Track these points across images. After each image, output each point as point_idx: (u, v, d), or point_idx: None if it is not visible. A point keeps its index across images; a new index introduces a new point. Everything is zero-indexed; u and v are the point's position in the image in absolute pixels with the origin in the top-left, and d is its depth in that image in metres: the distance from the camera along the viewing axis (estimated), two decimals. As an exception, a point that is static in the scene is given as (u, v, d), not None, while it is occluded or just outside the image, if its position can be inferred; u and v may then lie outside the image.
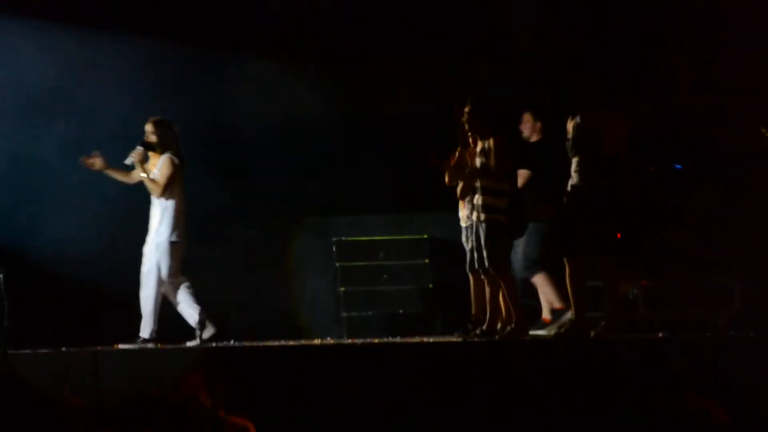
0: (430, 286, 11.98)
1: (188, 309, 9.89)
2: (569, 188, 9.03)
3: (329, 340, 10.56)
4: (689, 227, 10.64)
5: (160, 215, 9.86)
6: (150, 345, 9.74)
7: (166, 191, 9.85)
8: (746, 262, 10.12)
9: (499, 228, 9.26)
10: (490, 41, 11.87)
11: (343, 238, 12.04)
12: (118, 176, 10.13)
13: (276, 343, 10.17)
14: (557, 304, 10.10)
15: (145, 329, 9.84)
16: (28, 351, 9.18)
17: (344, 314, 11.75)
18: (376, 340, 10.26)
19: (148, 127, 9.94)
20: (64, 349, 9.19)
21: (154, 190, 9.85)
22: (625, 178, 8.94)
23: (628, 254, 10.16)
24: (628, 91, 9.79)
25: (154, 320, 9.84)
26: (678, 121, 11.20)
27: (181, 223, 9.89)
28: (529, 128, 10.41)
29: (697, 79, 11.21)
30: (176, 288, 9.93)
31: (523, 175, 9.93)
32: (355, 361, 8.90)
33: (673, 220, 10.81)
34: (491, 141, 9.25)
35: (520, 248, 10.10)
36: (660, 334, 9.38)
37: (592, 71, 10.11)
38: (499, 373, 8.38)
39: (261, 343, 10.20)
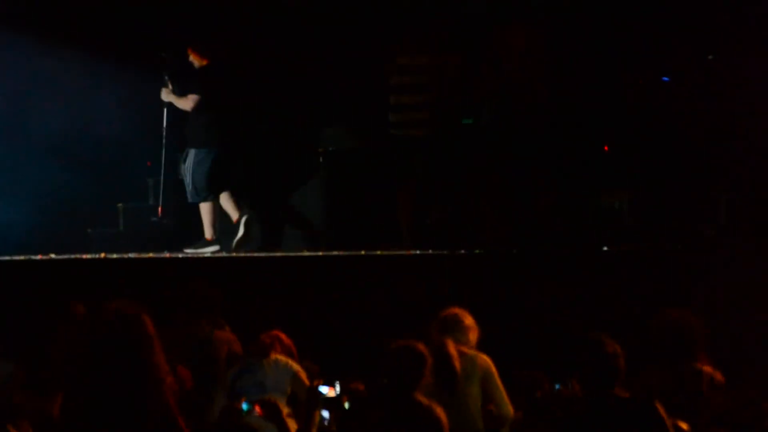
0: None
1: None
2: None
3: (319, 253, 10.55)
4: (675, 138, 10.60)
5: None
6: None
7: None
8: (732, 173, 10.12)
9: None
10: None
11: (330, 148, 11.91)
12: None
13: (261, 255, 10.22)
14: (209, 235, 10.42)
15: None
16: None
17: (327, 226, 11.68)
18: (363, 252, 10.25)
19: None
20: None
21: None
22: None
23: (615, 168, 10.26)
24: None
25: None
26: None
27: None
28: (196, 59, 10.45)
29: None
30: None
31: (192, 99, 10.30)
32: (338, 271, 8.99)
33: (659, 131, 10.76)
34: None
35: (188, 175, 10.38)
36: (646, 245, 9.42)
37: None
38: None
39: (248, 254, 10.25)
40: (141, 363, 3.23)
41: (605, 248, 9.42)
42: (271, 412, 5.37)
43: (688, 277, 8.35)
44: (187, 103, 10.37)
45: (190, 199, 10.47)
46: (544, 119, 9.86)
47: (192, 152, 10.39)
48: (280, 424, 5.34)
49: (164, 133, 10.76)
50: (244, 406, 5.45)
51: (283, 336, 7.01)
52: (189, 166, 10.38)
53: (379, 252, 9.67)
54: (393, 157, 10.12)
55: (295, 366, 6.77)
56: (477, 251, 9.52)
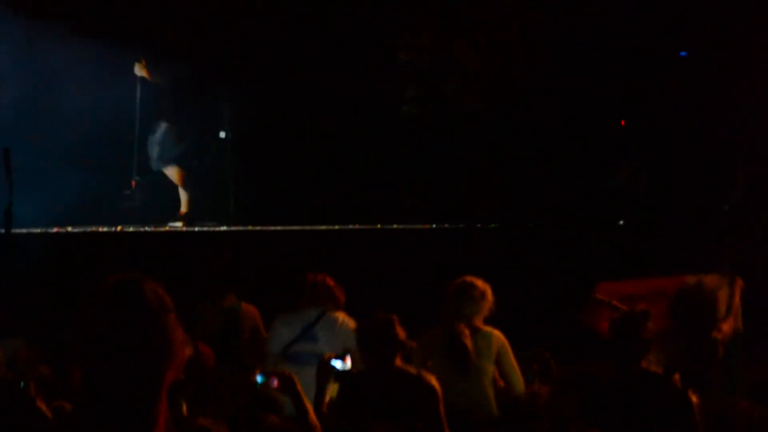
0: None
1: None
2: None
3: (335, 227, 10.57)
4: (692, 113, 10.57)
5: None
6: None
7: None
8: (751, 147, 10.08)
9: None
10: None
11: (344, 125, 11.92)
12: None
13: (276, 228, 10.27)
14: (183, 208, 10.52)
15: None
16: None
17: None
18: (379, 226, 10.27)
19: None
20: None
21: None
22: None
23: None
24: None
25: None
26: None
27: None
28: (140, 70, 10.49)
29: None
30: None
31: (165, 74, 10.32)
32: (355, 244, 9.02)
33: (679, 105, 10.74)
34: None
35: (157, 146, 10.42)
36: (662, 219, 9.40)
37: None
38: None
39: (263, 228, 10.29)
40: (138, 333, 3.21)
41: (621, 222, 9.40)
42: (287, 385, 5.37)
43: (706, 250, 8.32)
44: (159, 79, 10.39)
45: (154, 168, 10.52)
46: (557, 95, 9.83)
47: (163, 125, 10.40)
48: (296, 397, 5.34)
49: (137, 108, 10.81)
50: (259, 379, 5.46)
51: (330, 281, 6.87)
52: (158, 137, 10.40)
53: (395, 225, 9.67)
54: (407, 132, 10.11)
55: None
56: (492, 225, 9.52)
